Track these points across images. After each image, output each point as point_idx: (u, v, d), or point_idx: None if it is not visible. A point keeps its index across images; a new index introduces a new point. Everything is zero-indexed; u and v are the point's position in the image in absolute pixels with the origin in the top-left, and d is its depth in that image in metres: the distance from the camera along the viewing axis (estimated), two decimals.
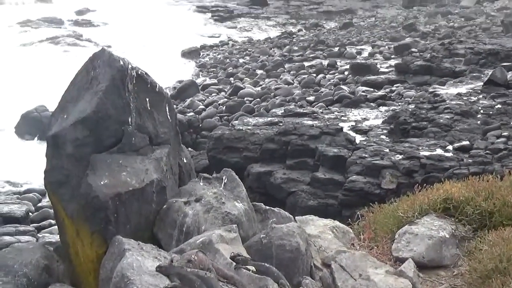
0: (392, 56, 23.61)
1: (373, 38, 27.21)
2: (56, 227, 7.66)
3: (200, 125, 18.46)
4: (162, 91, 5.65)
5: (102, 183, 5.17)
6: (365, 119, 16.19)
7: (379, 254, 5.60)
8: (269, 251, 5.48)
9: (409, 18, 31.02)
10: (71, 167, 5.27)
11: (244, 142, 14.32)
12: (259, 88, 21.19)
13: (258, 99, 20.00)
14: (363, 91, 19.29)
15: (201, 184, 5.67)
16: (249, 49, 27.43)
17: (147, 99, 5.43)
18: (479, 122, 14.32)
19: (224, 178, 5.70)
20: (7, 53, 25.69)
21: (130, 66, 5.40)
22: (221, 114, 19.10)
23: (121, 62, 5.34)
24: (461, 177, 7.16)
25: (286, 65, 23.81)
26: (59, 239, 5.52)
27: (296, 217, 5.92)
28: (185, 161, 5.91)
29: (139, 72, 5.36)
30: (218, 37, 30.97)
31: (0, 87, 21.22)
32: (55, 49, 26.76)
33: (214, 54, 27.48)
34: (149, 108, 5.40)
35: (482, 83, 17.52)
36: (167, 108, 5.68)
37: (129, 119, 5.29)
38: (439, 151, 12.84)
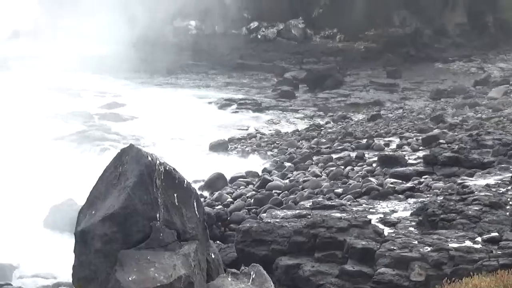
0: (420, 148, 23.61)
1: (401, 130, 27.30)
2: None
3: (228, 218, 18.47)
4: (190, 186, 5.76)
5: (130, 279, 5.23)
6: (393, 211, 16.15)
7: None
8: None
9: (437, 110, 31.16)
10: (99, 263, 5.35)
11: (273, 235, 14.33)
12: (287, 181, 21.22)
13: (286, 192, 20.01)
14: (391, 183, 19.26)
15: (229, 279, 5.72)
16: (277, 142, 27.59)
17: (175, 195, 5.53)
18: (508, 213, 14.26)
19: (252, 273, 5.75)
20: (37, 146, 26.05)
21: (158, 161, 5.52)
22: (249, 207, 19.10)
23: (149, 158, 5.46)
24: (490, 269, 7.14)
25: (314, 158, 23.86)
26: None
27: None
28: (213, 256, 5.96)
29: (167, 168, 5.48)
30: (246, 129, 31.24)
31: (30, 180, 21.47)
32: (84, 143, 27.11)
33: (242, 147, 27.66)
34: (177, 203, 5.49)
35: (510, 174, 17.51)
36: (195, 204, 5.77)
37: (157, 215, 5.38)
38: (468, 243, 12.78)
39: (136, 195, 5.40)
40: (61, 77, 40.60)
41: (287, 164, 23.38)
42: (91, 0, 45.67)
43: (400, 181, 19.48)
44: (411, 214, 15.55)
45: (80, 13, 45.59)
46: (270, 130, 30.86)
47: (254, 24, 44.41)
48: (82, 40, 44.95)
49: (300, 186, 20.25)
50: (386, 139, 26.15)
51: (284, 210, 16.49)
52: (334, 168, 21.89)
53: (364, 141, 25.61)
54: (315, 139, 27.02)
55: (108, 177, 5.72)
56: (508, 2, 47.30)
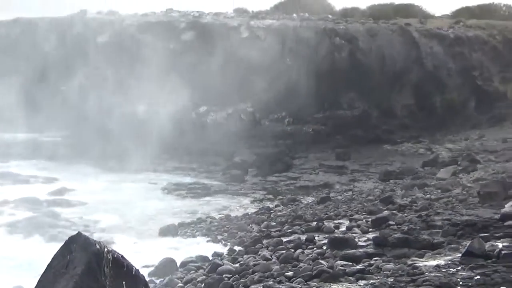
0: (370, 230, 23.83)
1: (351, 212, 27.54)
2: None
3: None
4: (139, 274, 5.83)
5: None
6: None
7: None
8: None
9: (386, 191, 31.50)
10: None
11: None
12: (237, 265, 21.23)
13: (237, 276, 20.02)
14: (341, 265, 19.37)
15: None
16: (227, 226, 27.63)
17: (124, 283, 5.60)
18: None
19: None
20: None
21: (106, 249, 5.60)
22: None
23: (97, 246, 5.52)
24: None
25: (264, 241, 23.94)
26: None
27: None
28: None
29: (115, 256, 5.56)
30: (196, 214, 31.26)
31: None
32: (32, 230, 26.90)
33: (192, 231, 27.66)
34: None
35: (460, 254, 17.75)
36: None
37: None
38: None
39: (84, 284, 5.45)
40: (9, 163, 40.56)
41: (237, 248, 23.43)
42: None
43: (351, 263, 19.61)
44: None
45: None
46: (220, 214, 30.91)
47: (203, 108, 44.82)
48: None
49: (251, 270, 20.28)
50: (336, 221, 26.36)
51: None
52: (284, 251, 21.97)
53: (314, 223, 25.78)
54: (265, 223, 27.13)
55: (56, 265, 5.76)
56: (455, 83, 48.49)
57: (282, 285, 17.32)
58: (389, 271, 18.73)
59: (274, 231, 25.35)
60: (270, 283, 18.23)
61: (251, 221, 28.08)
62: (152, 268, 21.13)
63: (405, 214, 25.38)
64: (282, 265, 20.81)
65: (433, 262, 17.89)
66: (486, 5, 57.43)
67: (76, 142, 44.12)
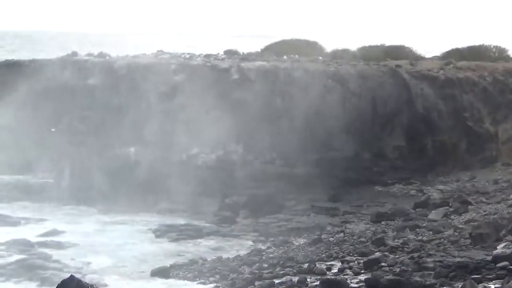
0: (362, 271, 24.14)
1: (343, 254, 27.83)
2: None
3: None
4: None
5: None
6: None
7: None
8: None
9: (378, 233, 31.80)
10: None
11: None
12: None
13: None
14: None
15: None
16: (218, 267, 27.88)
17: None
18: None
19: None
20: None
21: None
22: None
23: None
24: None
25: (256, 283, 24.23)
26: None
27: None
28: None
29: None
30: (188, 255, 31.48)
31: None
32: (24, 273, 27.10)
33: (184, 273, 27.87)
34: None
35: None
36: None
37: None
38: None
39: None
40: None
41: None
42: None
43: None
44: None
45: None
46: (211, 256, 31.15)
47: (194, 150, 45.13)
48: None
49: None
50: (328, 263, 26.65)
51: None
52: None
53: (306, 265, 26.04)
54: (257, 264, 27.39)
55: None
56: (445, 124, 48.95)
57: None
58: None
59: (266, 273, 25.60)
60: None
61: (243, 263, 28.34)
62: None
63: (397, 256, 25.69)
64: None
65: None
66: (476, 47, 58.00)
67: (67, 183, 44.31)
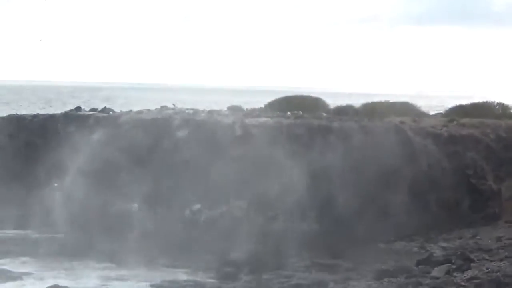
0: None
1: None
2: None
3: None
4: None
5: None
6: None
7: None
8: None
9: None
10: None
11: None
12: None
13: None
14: None
15: None
16: None
17: None
18: None
19: None
20: None
21: None
22: None
23: None
24: None
25: None
26: None
27: None
28: None
29: None
30: None
31: None
32: None
33: None
34: None
35: None
36: None
37: None
38: None
39: None
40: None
41: None
42: None
43: None
44: None
45: None
46: None
47: (197, 206, 45.75)
48: None
49: None
50: None
51: None
52: None
53: None
54: None
55: None
56: (449, 181, 49.49)
57: None
58: None
59: None
60: None
61: None
62: None
63: None
64: None
65: None
66: (479, 104, 58.92)
67: (69, 239, 44.82)
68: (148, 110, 53.60)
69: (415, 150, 49.38)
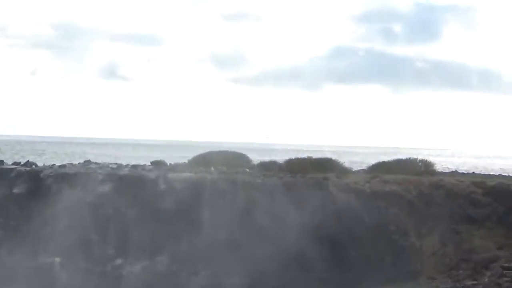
0: None
1: None
2: None
3: None
4: None
5: None
6: None
7: None
8: None
9: None
10: None
11: None
12: None
13: None
14: None
15: None
16: None
17: None
18: None
19: None
20: None
21: None
22: None
23: None
24: None
25: None
26: None
27: None
28: None
29: None
30: None
31: None
32: None
33: None
34: None
35: None
36: None
37: None
38: None
39: None
40: None
41: None
42: None
43: None
44: None
45: None
46: None
47: (119, 261, 46.39)
48: None
49: None
50: None
51: None
52: None
53: None
54: None
55: None
56: (371, 237, 50.48)
57: None
58: None
59: None
60: None
61: None
62: None
63: None
64: None
65: None
66: (402, 160, 60.56)
67: None
68: (72, 164, 54.24)
69: (338, 206, 50.40)
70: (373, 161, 62.44)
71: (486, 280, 45.95)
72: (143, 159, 65.86)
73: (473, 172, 74.98)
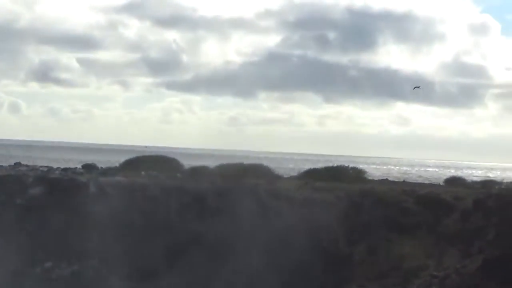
0: None
1: None
2: None
3: None
4: None
5: None
6: None
7: None
8: None
9: None
10: None
11: None
12: None
13: None
14: None
15: None
16: None
17: None
18: None
19: None
20: None
21: None
22: None
23: None
24: None
25: None
26: None
27: None
28: None
29: None
30: None
31: None
32: None
33: None
34: None
35: None
36: None
37: None
38: None
39: None
40: None
41: None
42: None
43: None
44: None
45: None
46: None
47: (49, 264, 46.80)
48: None
49: None
50: None
51: None
52: None
53: None
54: None
55: None
56: (303, 244, 51.20)
57: None
58: None
59: None
60: None
61: None
62: None
63: None
64: None
65: None
66: (333, 168, 61.54)
67: None
68: (1, 166, 54.38)
69: (269, 213, 51.18)
70: (305, 168, 63.35)
71: None
72: (74, 162, 66.16)
73: (404, 181, 76.55)
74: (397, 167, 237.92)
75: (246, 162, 61.37)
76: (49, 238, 46.61)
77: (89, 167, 56.61)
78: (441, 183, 64.07)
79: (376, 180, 65.68)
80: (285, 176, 61.65)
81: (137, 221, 47.90)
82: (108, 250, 46.87)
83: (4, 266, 46.10)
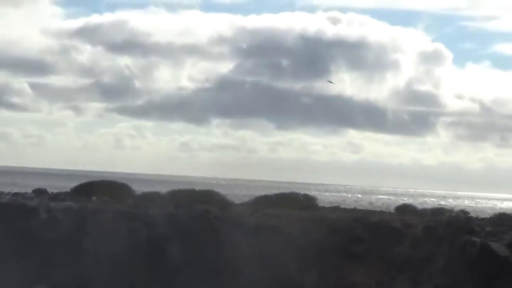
0: None
1: None
2: None
3: None
4: None
5: None
6: None
7: None
8: None
9: None
10: None
11: None
12: None
13: None
14: None
15: None
16: None
17: None
18: None
19: None
20: None
21: None
22: None
23: None
24: None
25: None
26: None
27: None
28: None
29: None
30: None
31: None
32: None
33: None
34: None
35: None
36: None
37: None
38: None
39: None
40: None
41: None
42: None
43: None
44: None
45: None
46: None
47: None
48: None
49: None
50: None
51: None
52: None
53: None
54: None
55: None
56: (252, 270, 51.60)
57: None
58: None
59: None
60: None
61: None
62: None
63: None
64: None
65: None
66: (284, 194, 62.02)
67: None
68: None
69: (220, 238, 51.47)
70: (256, 194, 63.88)
71: None
72: (25, 187, 65.97)
73: (355, 208, 77.26)
74: (349, 194, 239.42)
75: (197, 188, 61.58)
76: None
77: (39, 192, 56.50)
78: (392, 211, 64.65)
79: (327, 207, 66.19)
80: (237, 202, 61.91)
81: (87, 245, 47.88)
82: (59, 273, 46.79)
83: None
